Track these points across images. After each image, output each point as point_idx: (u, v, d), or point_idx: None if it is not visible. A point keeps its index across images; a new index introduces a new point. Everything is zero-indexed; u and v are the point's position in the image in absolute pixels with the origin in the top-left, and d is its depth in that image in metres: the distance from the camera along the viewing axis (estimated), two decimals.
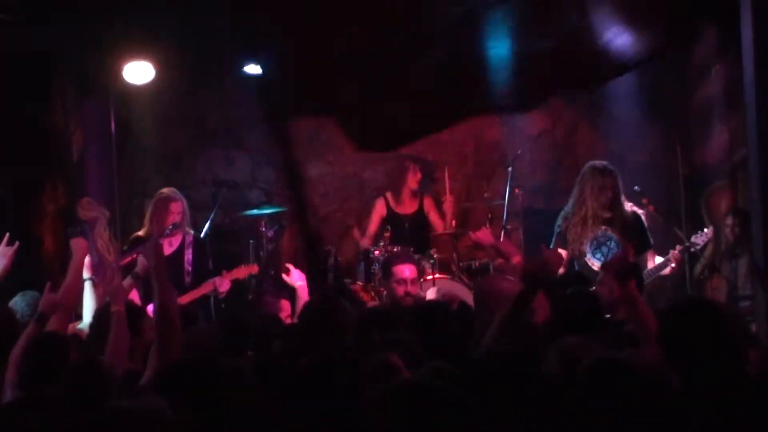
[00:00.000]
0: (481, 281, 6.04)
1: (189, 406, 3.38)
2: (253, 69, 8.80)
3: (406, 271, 6.93)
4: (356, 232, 9.07)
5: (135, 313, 5.04)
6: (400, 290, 6.85)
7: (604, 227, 6.94)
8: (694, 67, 9.02)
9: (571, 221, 7.00)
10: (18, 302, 5.79)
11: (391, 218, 8.99)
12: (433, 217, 9.09)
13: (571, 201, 7.12)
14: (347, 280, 8.37)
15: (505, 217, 8.68)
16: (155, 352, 4.25)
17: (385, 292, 7.48)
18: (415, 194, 9.12)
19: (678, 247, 7.26)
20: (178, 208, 7.59)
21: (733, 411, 3.24)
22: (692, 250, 7.53)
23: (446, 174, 9.00)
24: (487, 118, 9.81)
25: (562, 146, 9.76)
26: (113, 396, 3.85)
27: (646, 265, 7.13)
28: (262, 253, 8.53)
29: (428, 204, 9.13)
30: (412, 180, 9.04)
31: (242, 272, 7.62)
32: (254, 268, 7.76)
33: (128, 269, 7.53)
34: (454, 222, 9.14)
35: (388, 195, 9.15)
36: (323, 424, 3.30)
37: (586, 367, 3.34)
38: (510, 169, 8.85)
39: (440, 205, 9.24)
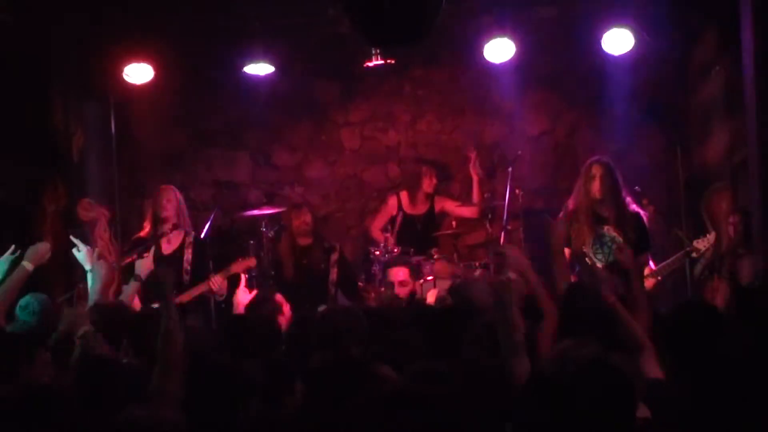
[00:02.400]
0: (455, 287, 6.03)
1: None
2: (253, 69, 8.79)
3: (399, 274, 7.14)
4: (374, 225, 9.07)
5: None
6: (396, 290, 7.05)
7: (605, 227, 6.91)
8: (694, 67, 9.02)
9: (573, 218, 6.98)
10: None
11: (402, 218, 8.98)
12: (449, 206, 9.10)
13: (572, 200, 7.11)
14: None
15: (505, 218, 8.67)
16: (159, 372, 4.24)
17: (383, 291, 7.66)
18: (427, 195, 9.14)
19: None
20: (167, 196, 7.60)
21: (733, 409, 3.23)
22: (693, 255, 7.53)
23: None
24: (487, 118, 9.82)
25: (562, 146, 9.76)
26: (124, 393, 3.87)
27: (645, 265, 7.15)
28: (262, 253, 8.52)
29: (439, 202, 9.14)
30: (428, 185, 9.08)
31: (240, 266, 7.61)
32: (252, 261, 7.75)
33: (129, 269, 7.56)
34: (454, 223, 9.15)
35: (402, 195, 9.14)
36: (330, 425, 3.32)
37: (576, 369, 3.33)
38: (510, 169, 8.85)
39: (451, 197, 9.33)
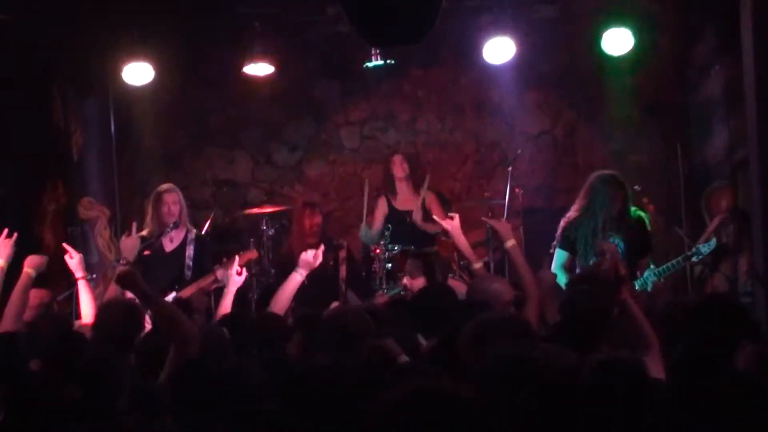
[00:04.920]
0: (474, 281, 6.03)
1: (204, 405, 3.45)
2: (253, 69, 8.79)
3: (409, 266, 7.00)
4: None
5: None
6: (404, 280, 6.93)
7: (611, 236, 6.91)
8: (694, 66, 9.03)
9: (580, 231, 6.93)
10: None
11: (393, 215, 9.00)
12: (436, 211, 9.09)
13: (576, 208, 7.04)
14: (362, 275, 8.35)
15: (505, 217, 8.68)
16: (173, 351, 4.28)
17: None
18: (416, 190, 9.14)
19: None
20: (172, 198, 7.57)
21: (722, 409, 3.23)
22: (694, 259, 7.55)
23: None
24: (487, 117, 9.82)
25: (562, 146, 9.77)
26: (125, 394, 3.89)
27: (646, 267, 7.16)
28: (262, 251, 8.53)
29: (430, 199, 9.14)
30: (398, 169, 9.02)
31: (242, 259, 7.60)
32: (254, 254, 7.73)
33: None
34: None
35: (389, 192, 9.18)
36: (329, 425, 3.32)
37: (592, 367, 3.34)
38: (510, 168, 8.86)
39: (446, 204, 9.31)
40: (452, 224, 6.34)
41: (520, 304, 5.26)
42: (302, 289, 6.53)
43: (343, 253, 7.98)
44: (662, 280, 7.56)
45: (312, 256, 6.46)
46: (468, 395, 2.59)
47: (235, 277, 6.50)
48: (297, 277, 6.35)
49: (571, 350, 3.82)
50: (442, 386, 2.63)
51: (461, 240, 6.31)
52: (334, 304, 7.14)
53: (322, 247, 6.70)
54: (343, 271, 7.91)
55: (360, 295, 7.87)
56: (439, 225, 6.61)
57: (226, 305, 6.27)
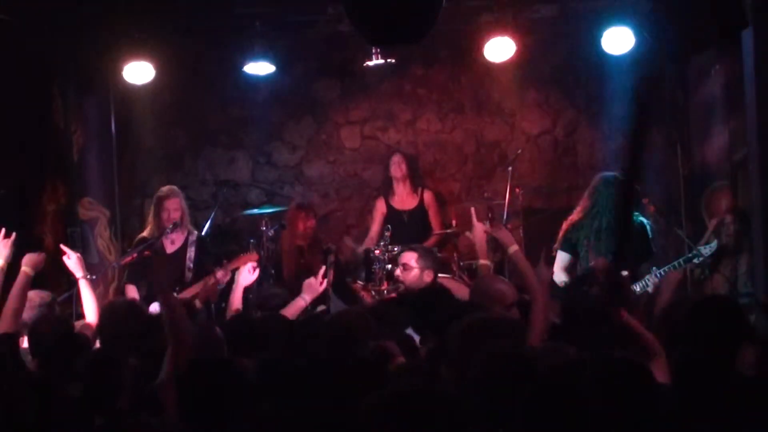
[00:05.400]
0: (477, 281, 6.04)
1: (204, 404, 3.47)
2: (254, 68, 8.79)
3: (403, 257, 7.15)
4: (348, 240, 9.15)
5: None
6: (397, 271, 7.10)
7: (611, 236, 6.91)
8: (694, 66, 9.02)
9: (583, 232, 6.93)
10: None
11: (391, 215, 9.03)
12: (432, 214, 9.11)
13: (579, 210, 7.03)
14: (348, 279, 8.37)
15: (505, 217, 8.68)
16: (169, 353, 4.30)
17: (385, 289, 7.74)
18: (414, 189, 9.16)
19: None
20: (173, 205, 7.59)
21: (725, 411, 3.23)
22: (695, 261, 7.55)
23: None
24: (487, 117, 9.82)
25: (562, 145, 9.77)
26: (127, 392, 3.90)
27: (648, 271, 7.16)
28: (262, 252, 8.53)
29: (428, 199, 9.17)
30: (396, 169, 9.09)
31: (242, 261, 7.61)
32: (254, 257, 7.75)
33: (130, 268, 7.57)
34: (455, 222, 9.15)
35: (387, 193, 9.22)
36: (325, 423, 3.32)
37: (594, 366, 3.33)
38: (510, 168, 8.86)
39: (443, 204, 9.33)
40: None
41: (525, 307, 5.24)
42: (291, 289, 6.60)
43: (331, 258, 8.00)
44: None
45: (317, 283, 6.53)
46: (452, 395, 2.61)
47: (246, 274, 6.55)
48: (300, 303, 6.43)
49: (572, 348, 3.83)
50: (425, 387, 2.65)
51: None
52: (321, 308, 7.18)
53: (323, 269, 6.74)
54: (330, 275, 7.93)
55: (344, 299, 7.88)
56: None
57: (236, 301, 6.33)
